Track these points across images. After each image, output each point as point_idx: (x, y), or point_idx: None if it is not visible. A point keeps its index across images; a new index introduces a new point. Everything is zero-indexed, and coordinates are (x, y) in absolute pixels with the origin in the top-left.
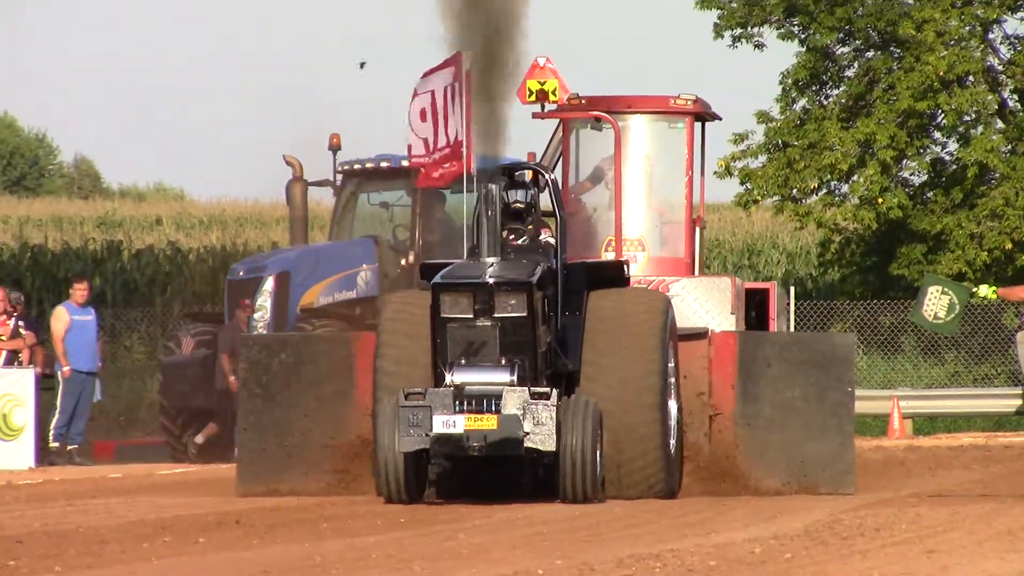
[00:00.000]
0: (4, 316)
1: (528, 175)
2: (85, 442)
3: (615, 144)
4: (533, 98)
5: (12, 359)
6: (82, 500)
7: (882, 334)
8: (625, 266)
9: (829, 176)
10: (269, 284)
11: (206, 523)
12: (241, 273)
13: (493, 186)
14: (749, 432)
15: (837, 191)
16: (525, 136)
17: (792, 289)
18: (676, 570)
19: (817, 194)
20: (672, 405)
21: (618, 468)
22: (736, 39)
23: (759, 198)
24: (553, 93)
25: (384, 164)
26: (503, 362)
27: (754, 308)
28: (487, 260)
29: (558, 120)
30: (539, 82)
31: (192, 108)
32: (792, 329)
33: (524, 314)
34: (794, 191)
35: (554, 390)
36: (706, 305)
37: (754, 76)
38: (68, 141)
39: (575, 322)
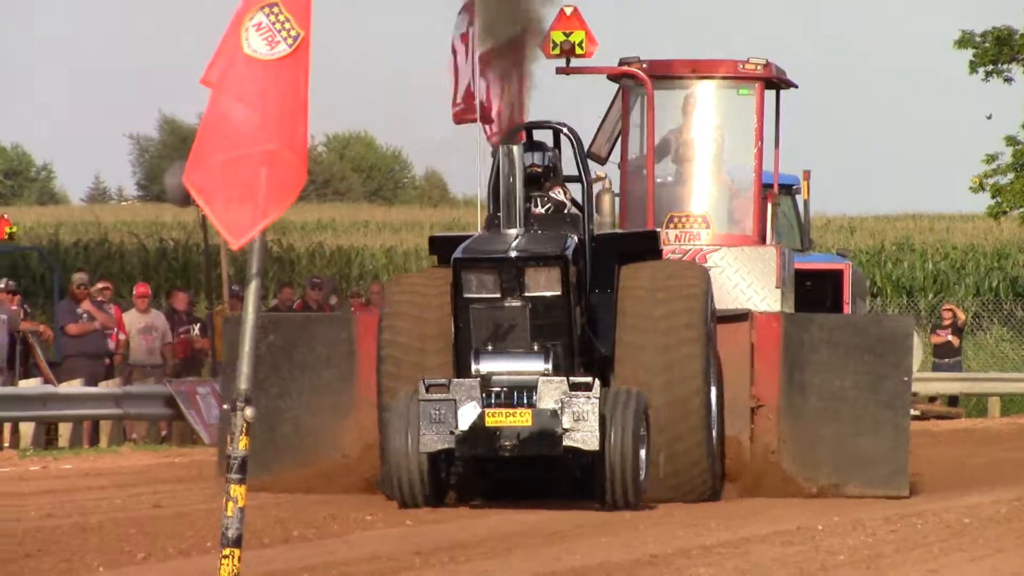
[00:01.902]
0: None
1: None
2: None
3: (648, 106)
4: (557, 51)
5: None
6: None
7: None
8: (658, 236)
9: None
10: None
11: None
12: None
13: (515, 147)
14: (795, 426)
15: None
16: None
17: None
18: None
19: None
20: (713, 395)
21: (657, 467)
22: (988, 74)
23: (1007, 209)
24: (580, 46)
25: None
26: (535, 348)
27: (830, 291)
28: (510, 232)
29: (617, 86)
30: (564, 33)
31: None
32: None
33: (558, 292)
34: None
35: (597, 381)
36: (748, 278)
37: (1004, 105)
38: (418, 157)
39: (606, 300)
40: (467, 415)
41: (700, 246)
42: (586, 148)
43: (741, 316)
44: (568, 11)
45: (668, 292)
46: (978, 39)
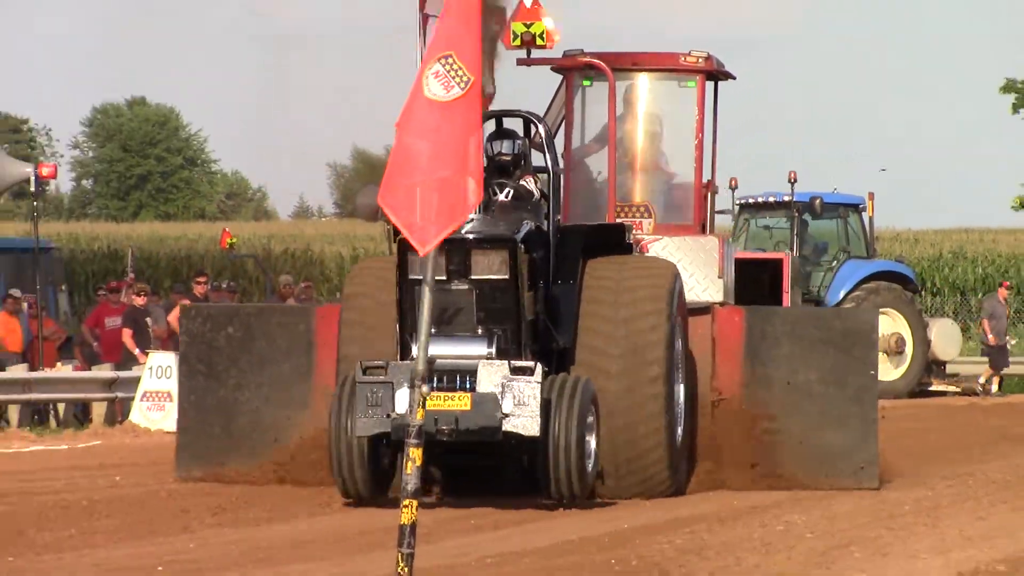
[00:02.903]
0: None
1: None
2: None
3: (609, 97)
4: (518, 42)
5: None
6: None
7: None
8: (626, 231)
9: None
10: None
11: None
12: None
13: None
14: (757, 420)
15: None
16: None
17: None
18: None
19: None
20: (680, 390)
21: (616, 461)
22: None
23: None
24: (540, 37)
25: (771, 199)
26: (480, 332)
27: (767, 280)
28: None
29: (561, 77)
30: (525, 24)
31: None
32: None
33: (506, 276)
34: None
35: (539, 365)
36: (690, 268)
37: None
38: None
39: (569, 292)
40: (404, 398)
41: (642, 236)
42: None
43: (703, 309)
44: (528, 3)
45: (633, 286)
46: (1020, 85)
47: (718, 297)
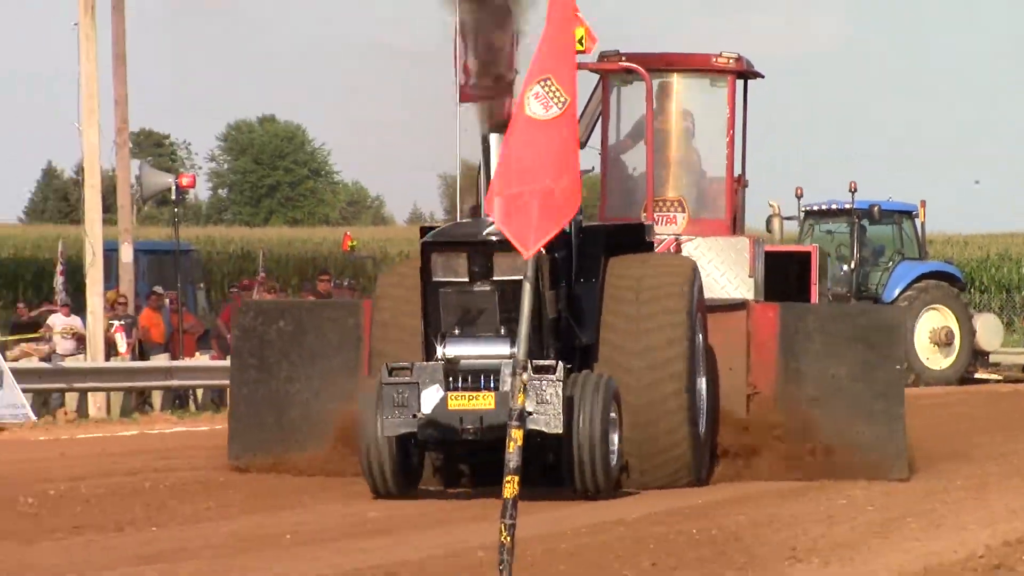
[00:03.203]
0: None
1: None
2: None
3: (647, 98)
4: None
5: None
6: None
7: None
8: (648, 229)
9: None
10: None
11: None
12: None
13: (494, 135)
14: (791, 413)
15: None
16: None
17: None
18: None
19: None
20: (701, 384)
21: (640, 455)
22: None
23: None
24: (580, 42)
25: (833, 206)
26: (503, 332)
27: (795, 272)
28: (487, 219)
29: (597, 77)
30: None
31: None
32: None
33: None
34: None
35: (560, 363)
36: (721, 267)
37: None
38: None
39: (591, 290)
40: (430, 398)
41: (675, 235)
42: None
43: (738, 306)
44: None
45: (653, 285)
46: None
47: (749, 295)
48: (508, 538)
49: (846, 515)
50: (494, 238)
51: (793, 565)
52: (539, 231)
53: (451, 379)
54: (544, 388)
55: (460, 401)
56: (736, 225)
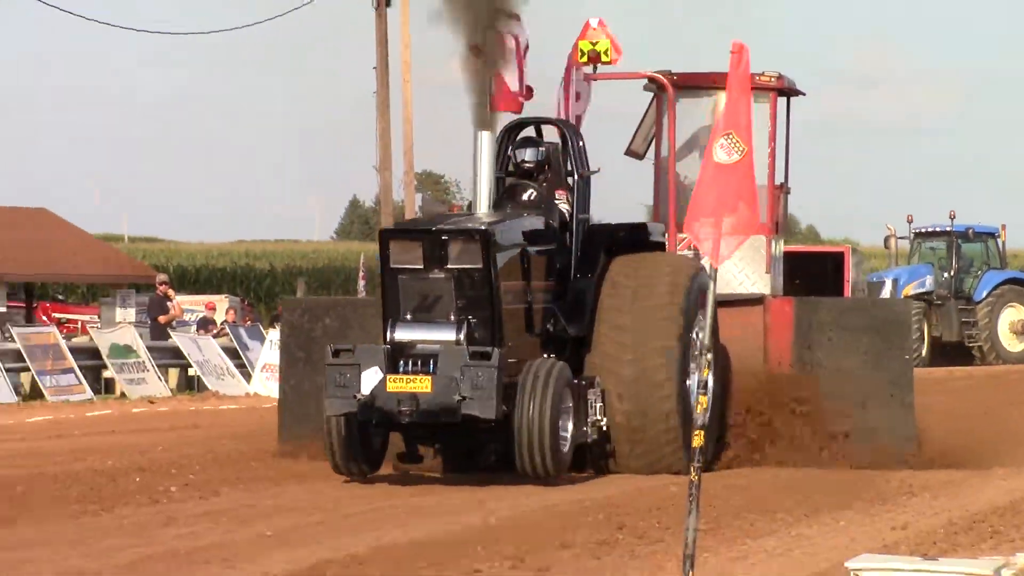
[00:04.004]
0: None
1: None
2: None
3: (668, 106)
4: (585, 59)
5: None
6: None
7: None
8: (650, 230)
9: None
10: None
11: None
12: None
13: (484, 133)
14: (806, 401)
15: None
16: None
17: None
18: None
19: None
20: (697, 376)
21: (631, 441)
22: None
23: None
24: (605, 54)
25: (936, 229)
26: (452, 319)
27: (830, 271)
28: (476, 214)
29: (652, 94)
30: (591, 43)
31: None
32: None
33: (479, 266)
34: None
35: (496, 349)
36: (740, 264)
37: None
38: None
39: (586, 285)
40: (369, 380)
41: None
42: (627, 147)
43: (756, 300)
44: (594, 22)
45: (650, 282)
46: None
47: (766, 290)
48: (696, 477)
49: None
50: (448, 227)
51: (910, 499)
52: (726, 247)
53: (392, 362)
54: (479, 375)
55: (398, 384)
56: (778, 227)
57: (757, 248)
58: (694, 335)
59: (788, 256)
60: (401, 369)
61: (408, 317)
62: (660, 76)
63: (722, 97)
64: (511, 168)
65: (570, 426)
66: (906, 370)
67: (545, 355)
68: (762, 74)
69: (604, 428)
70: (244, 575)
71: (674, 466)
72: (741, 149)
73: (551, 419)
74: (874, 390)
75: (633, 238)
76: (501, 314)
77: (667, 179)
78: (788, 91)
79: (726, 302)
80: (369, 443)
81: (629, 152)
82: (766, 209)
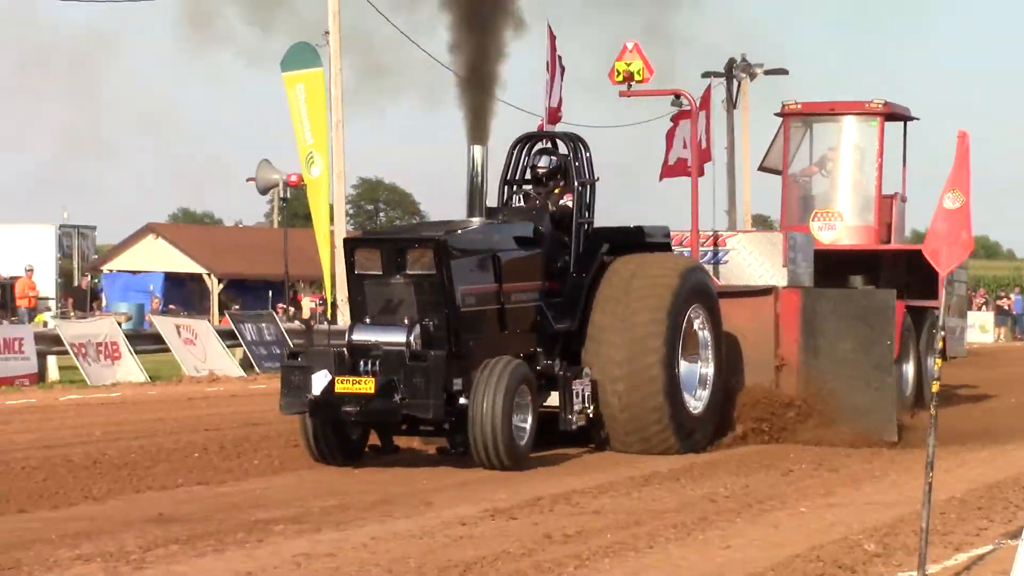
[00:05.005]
0: None
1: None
2: None
3: (691, 122)
4: (620, 78)
5: None
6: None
7: None
8: (646, 233)
9: None
10: None
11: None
12: None
13: (477, 147)
14: (809, 382)
15: None
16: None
17: None
18: None
19: None
20: (707, 369)
21: (625, 428)
22: None
23: None
24: (638, 73)
25: None
26: (406, 321)
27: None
28: (468, 220)
29: (781, 120)
30: (626, 63)
31: None
32: None
33: (433, 272)
34: None
35: (434, 351)
36: (760, 259)
37: None
38: None
39: (581, 283)
40: (319, 382)
41: (720, 232)
42: (761, 163)
43: (767, 291)
44: (630, 45)
45: (642, 280)
46: None
47: (782, 282)
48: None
49: None
50: (404, 236)
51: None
52: (949, 263)
53: (345, 364)
54: (417, 376)
55: (345, 385)
56: (890, 231)
57: (775, 244)
58: (696, 327)
59: (907, 255)
60: (350, 371)
61: (367, 320)
62: (687, 93)
63: (844, 122)
64: (526, 176)
65: (529, 419)
66: (887, 354)
67: (538, 350)
68: (871, 102)
69: (591, 415)
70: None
71: (665, 447)
72: (961, 200)
73: (503, 414)
74: (861, 373)
75: (635, 240)
76: (459, 317)
77: (794, 189)
78: (897, 116)
79: (740, 292)
80: (346, 437)
81: (763, 168)
82: (874, 214)
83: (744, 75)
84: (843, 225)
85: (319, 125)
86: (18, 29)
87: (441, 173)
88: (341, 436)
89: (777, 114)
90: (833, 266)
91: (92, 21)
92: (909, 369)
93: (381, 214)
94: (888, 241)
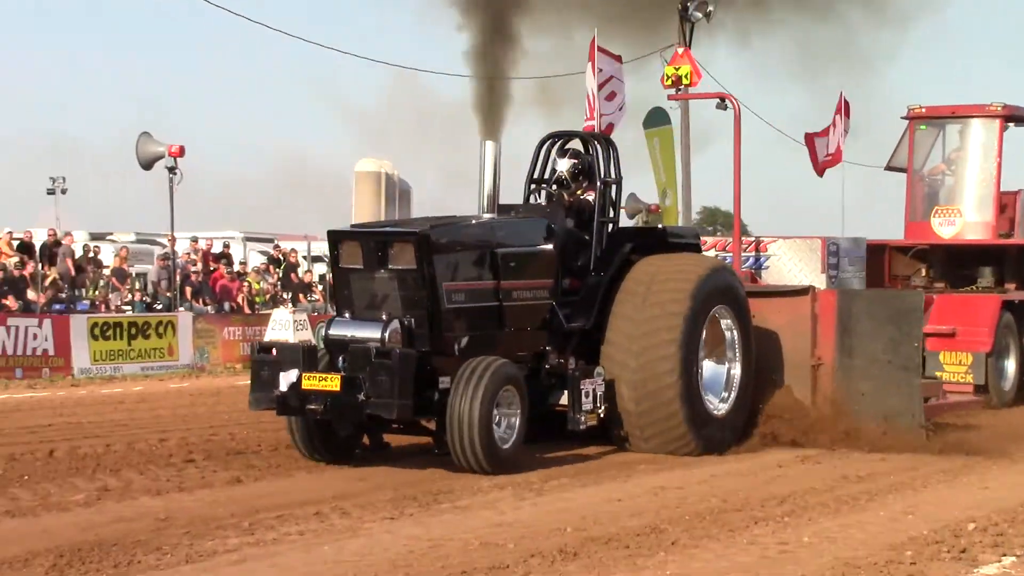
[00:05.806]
0: None
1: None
2: None
3: (735, 121)
4: (670, 82)
5: None
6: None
7: None
8: (669, 232)
9: None
10: None
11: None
12: None
13: (490, 143)
14: (844, 382)
15: None
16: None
17: None
18: None
19: None
20: (734, 369)
21: (640, 425)
22: None
23: None
24: (686, 77)
25: None
26: (383, 317)
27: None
28: (471, 216)
29: (907, 123)
30: (675, 68)
31: None
32: None
33: (414, 267)
34: None
35: (399, 350)
36: (799, 264)
37: None
38: None
39: (599, 281)
40: (287, 378)
41: (761, 237)
42: (888, 163)
43: (804, 291)
44: (680, 51)
45: (662, 280)
46: None
47: (821, 285)
48: None
49: None
50: (385, 230)
51: None
52: None
53: (310, 360)
54: (382, 375)
55: (312, 382)
56: (1012, 225)
57: (814, 250)
58: (723, 328)
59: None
60: (316, 368)
61: (347, 315)
62: (731, 96)
63: (969, 124)
64: (549, 175)
65: (516, 420)
66: (914, 355)
67: (548, 348)
68: (990, 105)
69: (602, 416)
70: None
71: (683, 448)
72: None
73: (480, 416)
74: (890, 373)
75: (661, 240)
76: (442, 313)
77: (919, 186)
78: (1015, 118)
79: (777, 292)
80: (332, 434)
81: (889, 167)
82: (991, 210)
83: None
84: (962, 220)
85: (669, 168)
86: None
87: (770, 198)
88: (326, 435)
89: (904, 117)
90: (959, 260)
91: None
92: (1010, 365)
93: (718, 234)
94: (1010, 236)
